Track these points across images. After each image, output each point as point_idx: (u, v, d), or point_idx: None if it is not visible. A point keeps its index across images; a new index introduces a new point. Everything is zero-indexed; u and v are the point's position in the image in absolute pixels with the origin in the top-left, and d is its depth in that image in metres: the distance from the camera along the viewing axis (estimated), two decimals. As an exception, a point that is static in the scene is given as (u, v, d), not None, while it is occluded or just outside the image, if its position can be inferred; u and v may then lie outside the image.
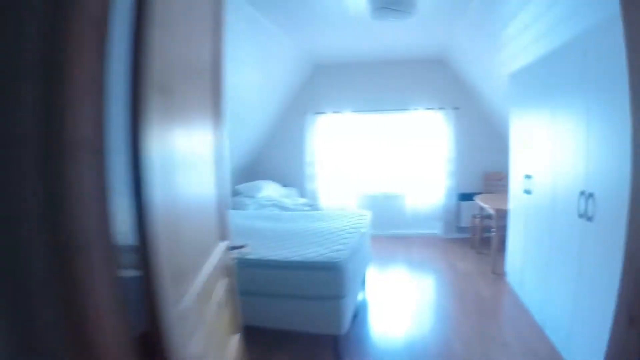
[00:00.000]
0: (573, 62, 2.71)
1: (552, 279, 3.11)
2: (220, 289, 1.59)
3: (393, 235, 6.51)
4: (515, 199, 4.08)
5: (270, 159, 6.90)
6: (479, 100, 5.90)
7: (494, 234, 4.62)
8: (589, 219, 2.52)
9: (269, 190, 6.13)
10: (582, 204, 2.58)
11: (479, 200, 5.07)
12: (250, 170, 6.88)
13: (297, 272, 3.04)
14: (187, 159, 1.22)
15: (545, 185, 3.24)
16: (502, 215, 4.52)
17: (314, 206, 6.38)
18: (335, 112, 6.31)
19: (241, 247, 2.03)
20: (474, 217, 5.63)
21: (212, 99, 1.57)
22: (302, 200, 6.22)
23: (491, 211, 4.60)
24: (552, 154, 3.12)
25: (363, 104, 6.30)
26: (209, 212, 1.54)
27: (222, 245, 1.68)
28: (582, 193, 2.60)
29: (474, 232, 5.65)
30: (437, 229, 6.44)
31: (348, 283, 3.02)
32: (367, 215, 4.54)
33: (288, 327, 3.11)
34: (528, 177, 3.64)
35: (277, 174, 6.81)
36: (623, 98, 2.20)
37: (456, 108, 5.96)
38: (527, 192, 3.65)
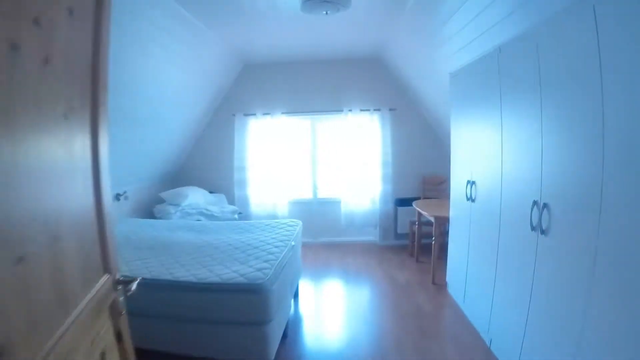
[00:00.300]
0: (523, 58, 2.45)
1: (500, 294, 2.85)
2: (100, 341, 1.23)
3: (328, 243, 6.15)
4: (457, 206, 3.84)
5: (197, 164, 6.32)
6: (418, 101, 5.69)
7: (433, 242, 4.36)
8: (544, 232, 2.26)
9: (195, 197, 5.55)
10: (536, 215, 2.32)
11: (417, 207, 4.82)
12: (176, 176, 6.29)
13: (216, 295, 2.60)
14: (42, 166, 0.96)
15: (491, 192, 2.98)
16: (442, 222, 4.29)
17: (243, 214, 5.89)
18: (265, 113, 5.82)
19: (131, 281, 1.55)
20: (412, 223, 5.40)
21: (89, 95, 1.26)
22: (231, 208, 5.69)
23: (430, 218, 4.34)
24: (497, 159, 2.86)
25: (295, 105, 5.89)
26: (83, 236, 1.19)
27: (104, 281, 1.32)
28: (535, 203, 2.34)
29: (413, 239, 5.42)
30: (373, 236, 6.17)
31: (273, 306, 2.61)
32: (298, 225, 4.14)
33: (207, 355, 2.68)
34: (471, 183, 3.39)
35: (205, 180, 6.24)
36: (578, 99, 2.00)
37: (393, 109, 5.71)
38: (470, 199, 3.40)
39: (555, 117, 2.12)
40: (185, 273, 2.81)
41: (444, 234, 4.86)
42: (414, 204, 4.98)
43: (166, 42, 3.77)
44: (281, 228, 3.97)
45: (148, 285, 2.60)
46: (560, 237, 2.11)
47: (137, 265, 3.02)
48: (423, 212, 4.52)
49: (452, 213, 3.97)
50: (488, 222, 3.04)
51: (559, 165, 2.11)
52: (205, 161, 6.28)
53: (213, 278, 2.68)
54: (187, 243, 3.63)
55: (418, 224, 5.05)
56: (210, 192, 6.06)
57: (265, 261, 2.90)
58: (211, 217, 5.49)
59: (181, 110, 5.22)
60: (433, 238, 4.35)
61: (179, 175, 6.31)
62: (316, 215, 6.14)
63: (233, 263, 2.95)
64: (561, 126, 2.07)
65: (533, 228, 2.35)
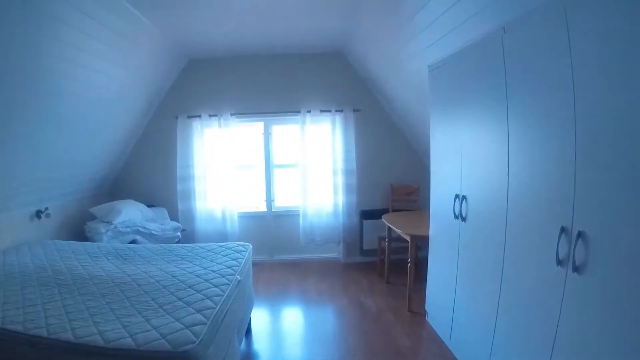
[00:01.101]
0: (543, 35, 1.85)
1: (505, 336, 2.25)
2: None
3: (285, 261, 5.44)
4: (440, 225, 3.23)
5: (136, 174, 5.45)
6: (385, 101, 5.10)
7: (409, 263, 3.74)
8: (577, 269, 1.66)
9: (131, 212, 4.70)
10: (565, 246, 1.72)
11: (387, 221, 4.20)
12: (113, 188, 5.46)
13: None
14: None
15: (491, 211, 2.38)
16: (419, 241, 3.69)
17: (187, 231, 5.11)
18: (212, 115, 5.04)
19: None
20: (381, 239, 4.78)
21: None
22: (173, 225, 4.88)
23: (405, 237, 3.72)
24: (500, 170, 2.27)
25: (246, 105, 5.15)
26: None
27: None
28: (563, 230, 1.74)
29: (381, 255, 4.81)
30: (337, 253, 5.50)
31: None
32: (247, 250, 3.44)
33: None
34: (460, 198, 2.79)
35: (144, 192, 5.40)
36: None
37: (357, 110, 5.08)
38: (460, 217, 2.79)
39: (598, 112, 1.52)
40: (90, 330, 2.03)
41: (419, 254, 4.26)
42: (384, 218, 4.36)
43: (91, 29, 3.04)
44: (226, 256, 3.24)
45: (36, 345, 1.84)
46: (603, 278, 1.52)
47: (35, 313, 2.21)
48: (396, 230, 3.89)
49: (433, 231, 3.36)
50: (486, 247, 2.44)
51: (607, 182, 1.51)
52: (144, 171, 5.43)
53: (125, 340, 1.91)
54: (106, 278, 2.84)
55: (388, 241, 4.43)
56: (150, 206, 5.20)
57: (201, 311, 2.15)
58: (149, 236, 4.69)
59: (114, 112, 4.44)
60: (408, 260, 3.74)
61: (116, 187, 5.45)
62: (272, 230, 5.42)
63: (157, 313, 2.18)
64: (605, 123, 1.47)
65: (559, 262, 1.75)
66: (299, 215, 5.18)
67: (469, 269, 2.70)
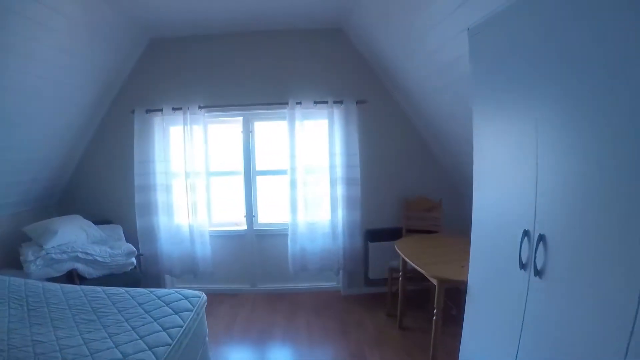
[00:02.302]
0: None
1: None
2: None
3: (271, 292, 4.34)
4: (488, 273, 2.09)
5: (87, 183, 4.40)
6: (397, 90, 4.00)
7: (435, 318, 2.63)
8: None
9: (71, 232, 3.73)
10: None
11: (402, 252, 3.10)
12: (59, 200, 4.46)
13: None
14: None
15: (599, 266, 1.25)
16: (452, 289, 2.58)
17: (145, 256, 4.12)
18: (176, 108, 3.96)
19: None
20: (392, 270, 3.67)
21: None
22: (126, 248, 3.84)
23: (432, 280, 2.61)
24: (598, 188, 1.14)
25: (221, 96, 4.09)
26: None
27: None
28: None
29: (393, 287, 3.71)
30: (335, 282, 4.39)
31: None
32: (199, 302, 2.37)
33: None
34: (532, 237, 1.65)
35: (97, 205, 4.36)
36: None
37: (361, 102, 3.99)
38: (530, 268, 1.65)
39: None
40: None
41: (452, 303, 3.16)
42: (398, 245, 3.26)
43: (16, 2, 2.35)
44: (164, 315, 2.14)
45: None
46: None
47: None
48: (417, 267, 2.77)
49: (476, 282, 2.23)
50: (586, 320, 1.31)
51: None
52: (98, 179, 4.38)
53: None
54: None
55: (402, 275, 3.32)
56: (103, 224, 4.18)
57: None
58: (93, 263, 3.72)
59: (56, 107, 3.52)
60: (434, 311, 2.62)
61: (65, 199, 4.45)
62: (254, 253, 4.35)
63: None
64: None
65: None
66: (286, 235, 4.07)
67: (547, 346, 1.56)
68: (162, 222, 4.11)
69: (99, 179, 4.34)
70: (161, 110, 3.97)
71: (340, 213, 4.03)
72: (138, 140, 4.03)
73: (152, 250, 4.15)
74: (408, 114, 4.10)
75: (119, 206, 4.30)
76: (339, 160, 3.96)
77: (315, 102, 3.91)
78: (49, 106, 3.40)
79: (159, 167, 4.05)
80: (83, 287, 2.91)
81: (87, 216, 4.08)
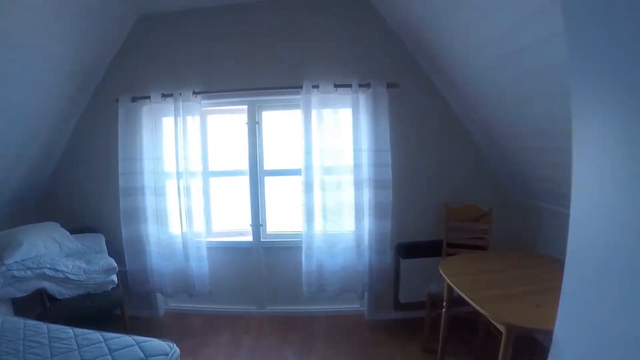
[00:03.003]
0: None
1: None
2: None
3: (282, 315, 3.65)
4: (595, 323, 1.29)
5: (67, 185, 3.76)
6: (436, 70, 3.21)
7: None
8: None
9: (40, 244, 3.17)
10: None
11: (451, 279, 2.34)
12: (37, 205, 3.82)
13: None
14: None
15: None
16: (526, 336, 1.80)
17: (130, 271, 3.51)
18: (166, 95, 3.28)
19: None
20: (432, 296, 2.91)
21: None
22: (105, 264, 3.22)
23: (499, 327, 1.85)
24: None
25: (221, 80, 3.37)
26: None
27: None
28: None
29: (432, 313, 2.95)
30: (358, 304, 3.64)
31: None
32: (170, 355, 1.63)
33: None
34: None
35: (79, 211, 3.74)
36: None
37: (393, 85, 3.22)
38: None
39: None
40: None
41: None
42: (443, 268, 2.49)
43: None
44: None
45: None
46: None
47: None
48: (473, 303, 2.02)
49: (569, 331, 1.44)
50: None
51: None
52: (78, 180, 3.74)
53: None
54: None
55: (447, 305, 2.56)
56: (85, 232, 3.57)
57: None
58: (64, 282, 3.05)
59: (29, 96, 2.95)
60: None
61: (44, 204, 3.82)
62: (261, 269, 3.63)
63: None
64: None
65: None
66: (301, 248, 3.33)
67: None
68: (152, 231, 3.44)
69: (82, 180, 3.72)
70: (149, 97, 3.29)
71: (366, 223, 3.27)
72: (123, 134, 3.36)
73: (140, 264, 3.49)
74: (450, 102, 3.31)
75: (103, 212, 3.65)
76: (365, 158, 3.20)
77: (336, 86, 3.15)
78: (21, 95, 2.83)
79: (147, 165, 3.37)
80: (50, 325, 2.27)
81: (67, 223, 3.50)
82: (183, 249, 3.38)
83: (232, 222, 3.78)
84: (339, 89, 3.16)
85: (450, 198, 3.33)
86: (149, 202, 3.40)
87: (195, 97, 3.25)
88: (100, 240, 3.53)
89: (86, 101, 3.58)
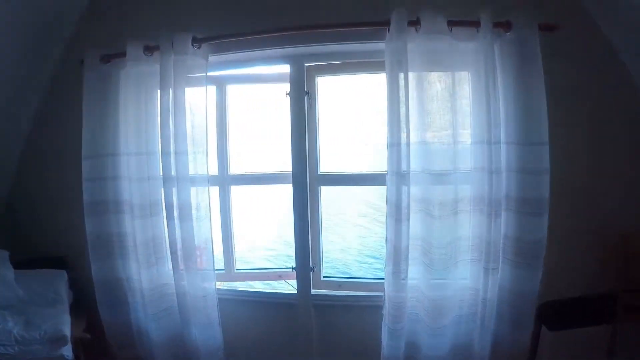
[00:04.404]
0: None
1: None
2: None
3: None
4: None
5: (24, 196, 2.59)
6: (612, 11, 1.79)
7: None
8: None
9: None
10: None
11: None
12: None
13: None
14: None
15: None
16: None
17: (91, 339, 2.22)
18: (150, 48, 1.96)
19: None
20: None
21: None
22: (47, 331, 1.93)
23: None
24: None
25: (242, 16, 2.00)
26: None
27: None
28: None
29: None
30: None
31: None
32: None
33: None
34: None
35: (38, 232, 2.56)
36: None
37: (548, 29, 1.76)
38: None
39: None
40: None
41: None
42: None
43: None
44: None
45: None
46: None
47: None
48: None
49: None
50: None
51: None
52: (39, 190, 2.56)
53: None
54: None
55: None
56: (36, 267, 2.34)
57: None
58: None
59: None
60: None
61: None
62: (312, 341, 2.27)
63: None
64: None
65: None
66: (379, 309, 1.96)
67: None
68: (135, 271, 2.13)
69: (47, 190, 2.53)
70: (124, 53, 1.96)
71: (497, 273, 1.83)
72: (89, 116, 2.09)
73: (119, 318, 2.25)
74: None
75: (73, 235, 2.37)
76: (503, 158, 1.76)
77: (452, 24, 1.73)
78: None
79: (128, 166, 2.08)
80: None
81: (24, 250, 2.40)
82: (179, 306, 2.06)
83: (260, 257, 2.44)
84: (456, 30, 1.73)
85: (627, 223, 1.88)
86: (131, 226, 2.10)
87: (198, 47, 1.90)
88: (59, 280, 2.30)
89: (49, 73, 2.34)
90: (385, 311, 1.89)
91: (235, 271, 2.37)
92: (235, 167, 2.29)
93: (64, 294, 2.24)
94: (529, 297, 1.85)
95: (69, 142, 2.30)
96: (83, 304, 2.32)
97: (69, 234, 2.41)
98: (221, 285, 2.27)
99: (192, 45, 1.89)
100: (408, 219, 1.77)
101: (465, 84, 1.81)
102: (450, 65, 1.76)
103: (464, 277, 1.89)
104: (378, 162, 1.87)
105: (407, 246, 1.79)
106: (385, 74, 1.79)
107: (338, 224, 4.05)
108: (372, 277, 2.25)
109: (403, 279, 1.82)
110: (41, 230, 2.53)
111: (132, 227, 2.10)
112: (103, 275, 2.20)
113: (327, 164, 2.25)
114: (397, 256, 1.81)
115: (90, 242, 2.17)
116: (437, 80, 1.78)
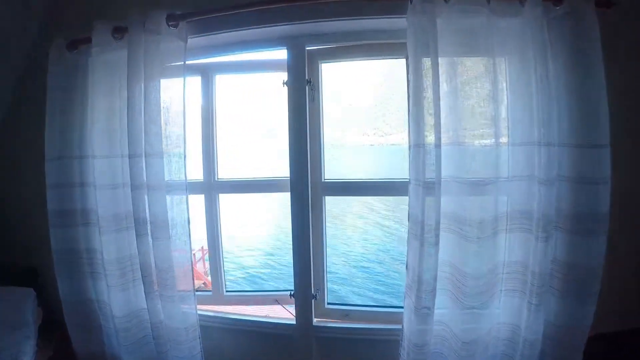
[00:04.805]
0: None
1: None
2: None
3: None
4: None
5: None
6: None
7: None
8: None
9: None
10: None
11: None
12: None
13: None
14: None
15: None
16: None
17: None
18: (119, 29, 1.63)
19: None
20: None
21: None
22: None
23: None
24: None
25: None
26: None
27: None
28: None
29: None
30: None
31: None
32: None
33: None
34: None
35: (9, 242, 2.23)
36: None
37: (604, 4, 1.39)
38: None
39: None
40: None
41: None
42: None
43: None
44: None
45: None
46: None
47: None
48: None
49: None
50: None
51: None
52: (7, 195, 2.26)
53: None
54: None
55: None
56: (15, 278, 2.11)
57: None
58: None
59: None
60: None
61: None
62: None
63: None
64: None
65: None
66: (395, 346, 1.60)
67: None
68: (106, 295, 1.81)
69: (18, 195, 2.22)
70: (89, 39, 1.63)
71: (545, 305, 1.49)
72: (53, 111, 1.75)
73: (91, 346, 1.90)
74: None
75: (41, 246, 2.05)
76: (556, 164, 1.41)
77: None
78: None
79: (98, 170, 1.74)
80: None
81: None
82: (154, 337, 1.73)
83: (247, 279, 2.17)
84: (495, 4, 1.37)
85: None
86: (99, 241, 1.77)
87: (175, 26, 1.56)
88: (25, 300, 1.97)
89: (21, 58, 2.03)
90: (403, 351, 1.55)
91: (225, 293, 2.04)
92: (225, 171, 1.96)
93: (30, 316, 1.92)
94: (580, 334, 1.50)
95: (42, 142, 2.00)
96: (56, 321, 2.01)
97: (42, 243, 2.10)
98: (206, 309, 1.94)
99: (167, 24, 1.53)
100: (437, 243, 1.41)
101: (508, 70, 1.46)
102: (488, 48, 1.40)
103: (500, 310, 1.54)
104: (398, 167, 1.51)
105: (435, 277, 1.43)
106: (408, 57, 1.43)
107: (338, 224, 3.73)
108: (381, 297, 1.88)
109: (427, 314, 1.47)
110: (12, 238, 2.23)
111: (101, 243, 1.77)
112: (72, 295, 1.88)
113: (331, 169, 1.90)
114: (420, 288, 1.45)
115: (56, 257, 1.84)
116: (472, 66, 1.43)
